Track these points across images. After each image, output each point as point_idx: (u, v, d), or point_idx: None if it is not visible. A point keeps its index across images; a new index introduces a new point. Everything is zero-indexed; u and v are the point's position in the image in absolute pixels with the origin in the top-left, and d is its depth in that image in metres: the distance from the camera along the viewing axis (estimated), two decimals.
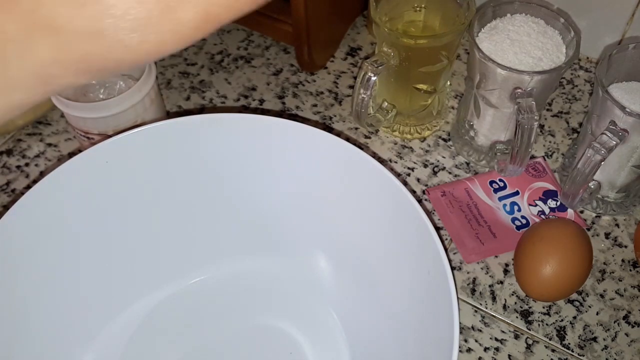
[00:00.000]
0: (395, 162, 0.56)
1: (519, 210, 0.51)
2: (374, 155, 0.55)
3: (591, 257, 0.46)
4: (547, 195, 0.52)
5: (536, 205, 0.52)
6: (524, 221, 0.51)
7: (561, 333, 0.46)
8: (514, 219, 0.51)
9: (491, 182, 0.53)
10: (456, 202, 0.52)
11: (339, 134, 0.54)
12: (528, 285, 0.46)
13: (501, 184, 0.53)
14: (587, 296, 0.48)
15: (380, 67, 0.48)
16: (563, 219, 0.49)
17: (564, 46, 0.48)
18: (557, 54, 0.47)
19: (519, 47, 0.47)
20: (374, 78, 0.48)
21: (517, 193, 0.52)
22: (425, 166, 0.55)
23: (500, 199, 0.52)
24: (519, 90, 0.46)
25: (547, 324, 0.47)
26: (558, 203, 0.52)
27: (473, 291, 0.48)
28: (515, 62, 0.47)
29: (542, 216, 0.51)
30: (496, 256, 0.50)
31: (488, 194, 0.52)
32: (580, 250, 0.45)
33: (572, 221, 0.49)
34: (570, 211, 0.51)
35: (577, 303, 0.48)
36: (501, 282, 0.49)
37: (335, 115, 0.59)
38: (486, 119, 0.51)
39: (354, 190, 0.42)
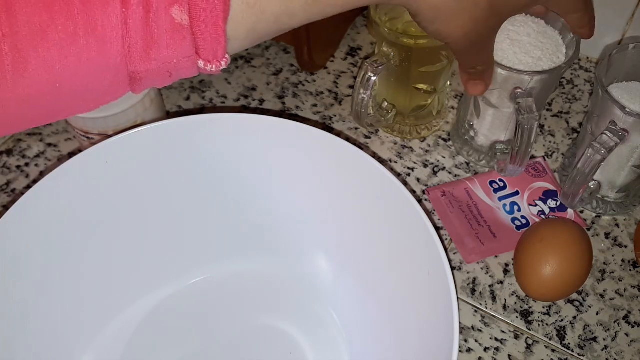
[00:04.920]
0: (395, 162, 0.56)
1: (519, 210, 0.51)
2: (374, 155, 0.55)
3: (591, 257, 0.46)
4: (547, 195, 0.52)
5: (536, 205, 0.52)
6: (524, 221, 0.51)
7: (561, 333, 0.46)
8: (514, 219, 0.51)
9: (491, 182, 0.53)
10: (456, 202, 0.52)
11: (339, 134, 0.54)
12: (528, 285, 0.46)
13: (501, 184, 0.53)
14: (587, 296, 0.48)
15: (380, 67, 0.48)
16: (563, 219, 0.49)
17: (563, 46, 0.48)
18: (557, 54, 0.47)
19: (519, 47, 0.47)
20: (374, 78, 0.48)
21: (517, 193, 0.52)
22: (425, 166, 0.55)
23: (500, 199, 0.52)
24: (519, 91, 0.46)
25: (547, 324, 0.47)
26: (558, 203, 0.52)
27: (473, 291, 0.48)
28: (515, 62, 0.46)
29: (542, 216, 0.51)
30: (496, 256, 0.50)
31: (488, 194, 0.52)
32: (580, 250, 0.45)
33: (572, 221, 0.49)
34: (570, 211, 0.51)
35: (577, 303, 0.48)
36: (501, 282, 0.49)
37: (335, 115, 0.59)
38: (486, 119, 0.51)
39: (354, 190, 0.42)
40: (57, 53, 0.26)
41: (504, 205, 0.52)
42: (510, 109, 0.49)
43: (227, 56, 0.29)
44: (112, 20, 0.26)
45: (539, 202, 0.52)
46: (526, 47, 0.47)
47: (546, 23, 0.48)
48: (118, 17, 0.26)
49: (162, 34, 0.27)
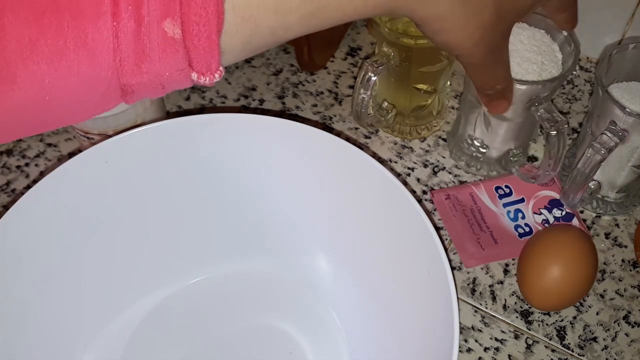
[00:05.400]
0: (395, 162, 0.56)
1: (523, 217, 0.51)
2: (374, 155, 0.55)
3: (596, 264, 0.46)
4: (553, 204, 0.52)
5: (541, 213, 0.51)
6: (527, 229, 0.50)
7: (561, 333, 0.46)
8: (517, 226, 0.51)
9: (497, 188, 0.52)
10: (460, 206, 0.51)
11: (339, 134, 0.54)
12: (531, 295, 0.45)
13: (507, 190, 0.52)
14: (587, 296, 0.48)
15: (380, 67, 0.48)
16: (568, 226, 0.49)
17: (556, 44, 0.48)
18: (554, 54, 0.47)
19: (519, 57, 0.47)
20: (374, 78, 0.48)
21: (522, 200, 0.52)
22: (425, 166, 0.55)
23: (505, 205, 0.52)
24: (536, 100, 0.46)
25: (547, 324, 0.47)
26: (563, 213, 0.51)
27: (473, 291, 0.48)
28: (522, 72, 0.46)
29: (546, 225, 0.50)
30: None
31: (493, 200, 0.52)
32: (585, 259, 0.45)
33: (577, 228, 0.48)
34: (574, 221, 0.50)
35: (577, 303, 0.48)
36: (501, 282, 0.49)
37: (335, 115, 0.59)
38: (499, 132, 0.50)
39: (354, 190, 0.42)
40: (47, 67, 0.26)
41: (508, 212, 0.51)
42: (522, 117, 0.48)
43: (221, 68, 0.29)
44: (103, 34, 0.26)
45: (544, 211, 0.51)
46: (525, 54, 0.47)
47: (530, 25, 0.48)
48: (109, 30, 0.26)
49: (154, 48, 0.27)
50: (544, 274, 0.45)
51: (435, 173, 0.55)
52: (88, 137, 0.50)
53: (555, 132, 0.44)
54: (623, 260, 0.50)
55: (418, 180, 0.54)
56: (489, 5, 0.34)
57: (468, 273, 0.49)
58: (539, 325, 0.47)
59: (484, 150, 0.52)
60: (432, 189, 0.54)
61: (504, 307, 0.48)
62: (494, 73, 0.40)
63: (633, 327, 0.46)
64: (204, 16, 0.26)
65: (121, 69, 0.27)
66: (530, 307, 0.47)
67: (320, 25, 0.31)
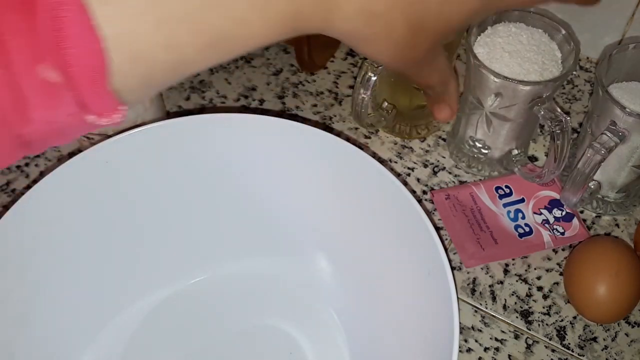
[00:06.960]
0: (395, 162, 0.56)
1: (523, 217, 0.51)
2: (374, 155, 0.55)
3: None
4: (553, 204, 0.52)
5: (541, 213, 0.51)
6: (527, 229, 0.50)
7: (561, 333, 0.46)
8: (517, 227, 0.51)
9: (497, 188, 0.52)
10: (460, 206, 0.51)
11: (339, 134, 0.54)
12: (584, 307, 0.46)
13: (507, 190, 0.52)
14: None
15: (380, 67, 0.48)
16: (614, 239, 0.48)
17: (554, 43, 0.48)
18: (553, 52, 0.47)
19: (519, 57, 0.46)
20: (374, 78, 0.48)
21: (522, 200, 0.52)
22: (425, 166, 0.55)
23: (505, 205, 0.51)
24: (539, 100, 0.46)
25: (547, 324, 0.47)
26: (563, 213, 0.51)
27: (473, 291, 0.48)
28: (524, 72, 0.46)
29: (547, 225, 0.51)
30: None
31: (493, 200, 0.52)
32: (634, 272, 0.45)
33: (622, 240, 0.48)
34: (575, 221, 0.51)
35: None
36: (501, 282, 0.49)
37: (335, 115, 0.59)
38: (501, 133, 0.50)
39: (354, 190, 0.42)
40: None
41: (508, 212, 0.51)
42: (524, 117, 0.48)
43: (121, 107, 0.26)
44: None
45: (544, 211, 0.51)
46: (525, 54, 0.47)
47: (527, 25, 0.48)
48: None
49: (33, 94, 0.24)
50: (596, 289, 0.44)
51: (435, 173, 0.55)
52: (88, 137, 0.50)
53: (559, 131, 0.44)
54: None
55: (418, 180, 0.54)
56: (397, 28, 0.31)
57: (468, 273, 0.49)
58: (539, 325, 0.47)
59: (485, 151, 0.52)
60: (432, 189, 0.54)
61: (504, 307, 0.48)
62: (424, 79, 0.37)
63: (633, 327, 0.46)
64: (82, 58, 0.24)
65: (5, 120, 0.24)
66: (530, 307, 0.47)
67: (225, 56, 0.29)
